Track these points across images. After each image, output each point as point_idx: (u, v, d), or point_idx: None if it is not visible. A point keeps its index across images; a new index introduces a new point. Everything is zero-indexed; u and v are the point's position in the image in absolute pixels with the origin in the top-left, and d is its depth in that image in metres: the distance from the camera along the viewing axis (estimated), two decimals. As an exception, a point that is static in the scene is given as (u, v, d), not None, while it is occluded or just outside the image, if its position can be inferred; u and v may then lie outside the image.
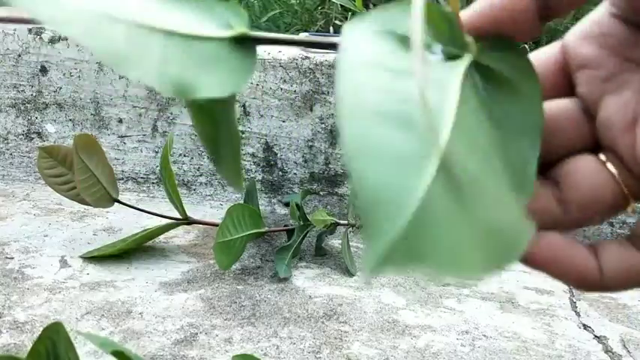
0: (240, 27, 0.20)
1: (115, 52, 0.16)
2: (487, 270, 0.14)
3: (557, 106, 0.21)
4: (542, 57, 0.22)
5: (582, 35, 0.21)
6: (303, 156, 0.90)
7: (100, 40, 0.16)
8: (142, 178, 0.94)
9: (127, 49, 0.17)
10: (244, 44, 0.20)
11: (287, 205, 0.90)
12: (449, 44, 0.18)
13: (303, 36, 0.91)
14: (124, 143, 0.95)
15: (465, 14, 0.20)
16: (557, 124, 0.21)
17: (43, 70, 0.94)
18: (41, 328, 0.31)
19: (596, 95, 0.21)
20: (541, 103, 0.19)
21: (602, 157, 0.21)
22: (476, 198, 0.15)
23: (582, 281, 0.20)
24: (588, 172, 0.21)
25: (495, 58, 0.19)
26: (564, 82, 0.22)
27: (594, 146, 0.21)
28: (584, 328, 0.66)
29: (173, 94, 0.17)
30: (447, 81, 0.17)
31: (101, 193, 0.73)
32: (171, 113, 0.92)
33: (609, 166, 0.21)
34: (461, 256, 0.13)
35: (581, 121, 0.21)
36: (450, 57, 0.18)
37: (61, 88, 0.94)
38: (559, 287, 0.76)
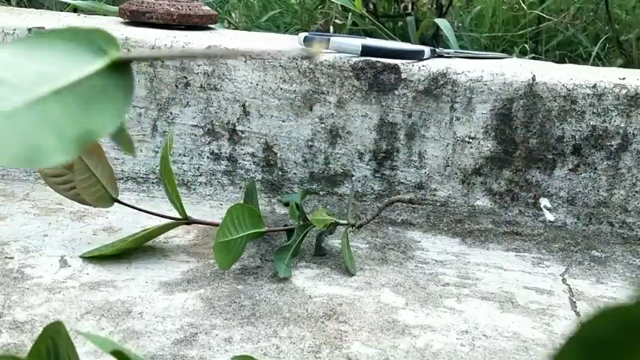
0: (111, 51, 0.21)
1: None
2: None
3: None
4: None
5: None
6: (302, 156, 0.90)
7: None
8: (141, 177, 0.94)
9: None
10: (119, 68, 0.21)
11: (287, 205, 0.90)
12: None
13: (302, 36, 0.91)
14: (124, 143, 0.94)
15: None
16: None
17: (43, 70, 0.94)
18: (41, 328, 0.31)
19: None
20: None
21: None
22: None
23: None
24: None
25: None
26: None
27: None
28: (584, 328, 0.66)
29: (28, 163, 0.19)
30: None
31: (101, 193, 0.73)
32: (171, 113, 0.92)
33: None
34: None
35: None
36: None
37: (60, 87, 0.94)
38: (559, 287, 0.76)
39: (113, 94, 0.21)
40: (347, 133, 0.89)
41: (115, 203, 0.75)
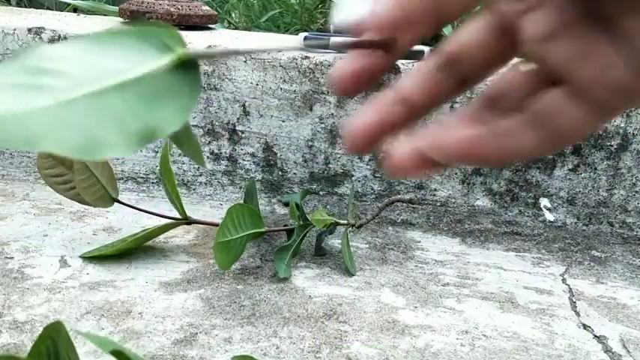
0: (177, 48, 0.21)
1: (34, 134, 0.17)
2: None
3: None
4: None
5: None
6: (302, 156, 0.90)
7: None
8: (141, 177, 0.94)
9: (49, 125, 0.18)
10: (185, 65, 0.21)
11: (287, 204, 0.90)
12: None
13: (302, 36, 0.91)
14: (124, 143, 0.95)
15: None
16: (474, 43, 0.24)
17: (43, 70, 0.94)
18: (41, 328, 0.31)
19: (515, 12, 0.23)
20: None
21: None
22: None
23: None
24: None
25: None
26: None
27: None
28: (584, 328, 0.66)
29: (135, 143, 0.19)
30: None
31: (101, 192, 0.73)
32: (171, 113, 0.92)
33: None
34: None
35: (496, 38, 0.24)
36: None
37: (60, 87, 0.94)
38: (559, 287, 0.76)
39: (178, 92, 0.20)
40: (347, 133, 0.89)
41: (115, 203, 0.75)
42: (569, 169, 0.87)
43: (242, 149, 0.92)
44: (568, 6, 0.22)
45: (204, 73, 0.90)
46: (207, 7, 1.09)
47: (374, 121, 0.24)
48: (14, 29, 0.94)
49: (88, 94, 0.18)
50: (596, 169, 0.86)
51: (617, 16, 0.21)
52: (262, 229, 0.73)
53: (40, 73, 0.18)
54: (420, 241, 0.85)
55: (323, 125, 0.89)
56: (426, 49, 0.91)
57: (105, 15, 1.24)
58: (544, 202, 0.88)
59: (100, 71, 0.19)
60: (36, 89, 0.18)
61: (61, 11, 1.33)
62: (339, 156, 0.90)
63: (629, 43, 0.21)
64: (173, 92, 0.20)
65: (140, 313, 0.63)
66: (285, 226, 0.80)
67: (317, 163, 0.90)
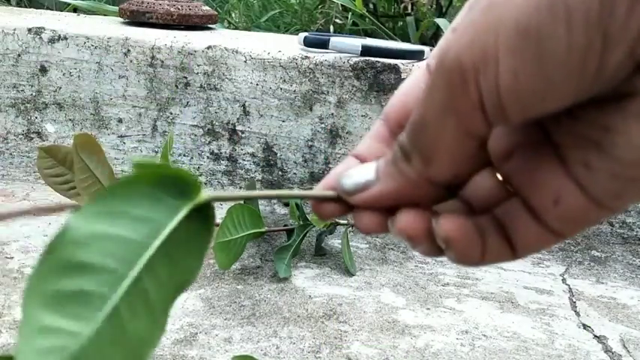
0: (194, 195, 0.21)
1: None
2: None
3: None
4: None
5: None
6: (302, 156, 0.90)
7: None
8: (141, 177, 0.94)
9: None
10: (201, 208, 0.21)
11: (287, 204, 0.90)
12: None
13: (302, 36, 0.91)
14: (124, 143, 0.95)
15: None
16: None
17: (43, 70, 0.94)
18: (41, 328, 0.31)
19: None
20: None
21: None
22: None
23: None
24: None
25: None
26: None
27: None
28: (584, 328, 0.66)
29: None
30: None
31: (101, 192, 0.73)
32: (171, 113, 0.92)
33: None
34: None
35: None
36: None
37: (60, 87, 0.94)
38: (559, 287, 0.76)
39: (196, 240, 0.21)
40: (347, 133, 0.89)
41: (115, 203, 0.75)
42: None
43: (242, 149, 0.92)
44: (520, 129, 0.22)
45: (204, 73, 0.90)
46: (207, 7, 1.09)
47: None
48: (14, 29, 0.94)
49: (125, 291, 0.19)
50: (596, 169, 0.86)
51: (571, 147, 0.20)
52: (262, 229, 0.73)
53: (75, 270, 0.19)
54: (420, 241, 0.85)
55: (323, 125, 0.89)
56: (426, 49, 0.91)
57: (105, 15, 1.25)
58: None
59: (127, 246, 0.20)
60: (77, 301, 0.19)
61: (61, 11, 1.33)
62: (339, 156, 0.90)
63: (589, 172, 0.20)
64: (191, 242, 0.21)
65: (140, 313, 0.62)
66: (285, 226, 0.80)
67: (317, 163, 0.90)
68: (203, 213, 0.21)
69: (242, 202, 0.78)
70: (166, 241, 0.20)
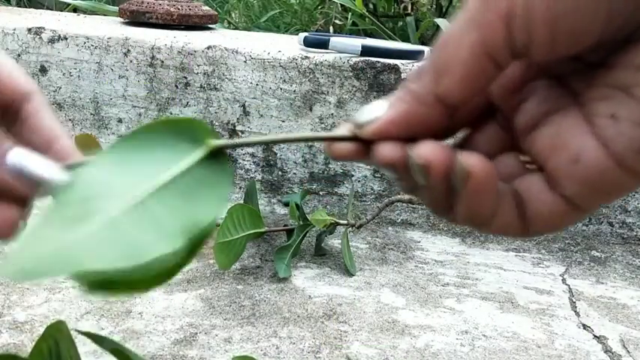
0: (207, 140, 0.22)
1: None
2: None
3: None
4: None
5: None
6: (302, 156, 0.90)
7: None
8: (141, 177, 0.94)
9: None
10: (215, 155, 0.22)
11: (287, 205, 0.90)
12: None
13: (302, 36, 0.91)
14: (124, 143, 0.95)
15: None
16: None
17: (43, 70, 0.94)
18: (41, 328, 0.31)
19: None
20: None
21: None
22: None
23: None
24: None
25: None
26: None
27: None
28: (584, 328, 0.66)
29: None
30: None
31: (101, 192, 0.73)
32: (171, 113, 0.92)
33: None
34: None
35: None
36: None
37: (60, 87, 0.94)
38: (559, 287, 0.76)
39: (213, 182, 0.21)
40: (347, 133, 0.89)
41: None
42: (569, 169, 0.87)
43: (242, 149, 0.92)
44: (553, 95, 0.23)
45: (204, 73, 0.90)
46: (207, 7, 1.09)
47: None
48: (14, 29, 0.94)
49: (129, 208, 0.20)
50: (596, 169, 0.86)
51: (599, 100, 0.21)
52: (262, 229, 0.73)
53: (85, 201, 0.20)
54: (419, 241, 0.85)
55: (323, 125, 0.89)
56: (426, 49, 0.91)
57: (105, 15, 1.25)
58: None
59: (137, 180, 0.21)
60: (82, 218, 0.19)
61: (61, 11, 1.33)
62: (339, 156, 0.90)
63: (615, 122, 0.20)
64: (207, 184, 0.21)
65: (140, 313, 0.63)
66: (285, 226, 0.80)
67: (317, 163, 0.91)
68: (218, 159, 0.22)
69: (242, 201, 0.78)
70: (179, 178, 0.21)
